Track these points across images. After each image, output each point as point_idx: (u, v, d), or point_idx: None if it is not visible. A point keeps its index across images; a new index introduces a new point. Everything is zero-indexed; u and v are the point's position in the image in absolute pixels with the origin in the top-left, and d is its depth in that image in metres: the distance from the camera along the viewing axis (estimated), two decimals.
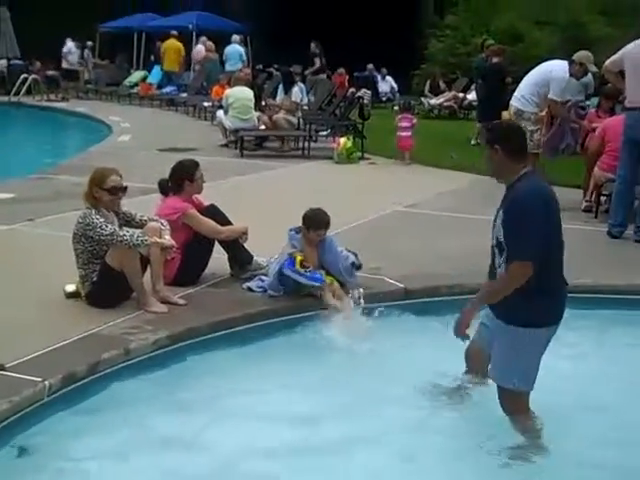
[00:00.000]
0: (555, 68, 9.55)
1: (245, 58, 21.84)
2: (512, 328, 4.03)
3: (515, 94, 9.88)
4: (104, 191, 5.53)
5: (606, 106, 11.07)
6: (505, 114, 11.30)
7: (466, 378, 4.54)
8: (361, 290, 5.80)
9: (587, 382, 4.87)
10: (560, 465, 4.01)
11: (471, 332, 4.31)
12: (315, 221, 5.86)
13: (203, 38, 23.22)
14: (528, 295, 3.94)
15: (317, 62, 22.65)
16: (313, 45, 22.97)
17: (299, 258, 5.77)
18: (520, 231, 3.92)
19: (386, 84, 25.89)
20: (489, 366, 4.24)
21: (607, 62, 8.27)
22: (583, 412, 4.49)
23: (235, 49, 21.64)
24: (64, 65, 26.44)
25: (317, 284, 5.76)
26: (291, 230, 5.95)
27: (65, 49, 26.44)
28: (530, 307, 3.96)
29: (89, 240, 5.47)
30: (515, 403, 4.14)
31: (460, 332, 4.20)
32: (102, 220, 5.44)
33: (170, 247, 5.63)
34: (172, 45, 23.65)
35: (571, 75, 9.46)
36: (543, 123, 9.99)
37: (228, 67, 20.59)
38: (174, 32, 23.86)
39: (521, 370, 4.06)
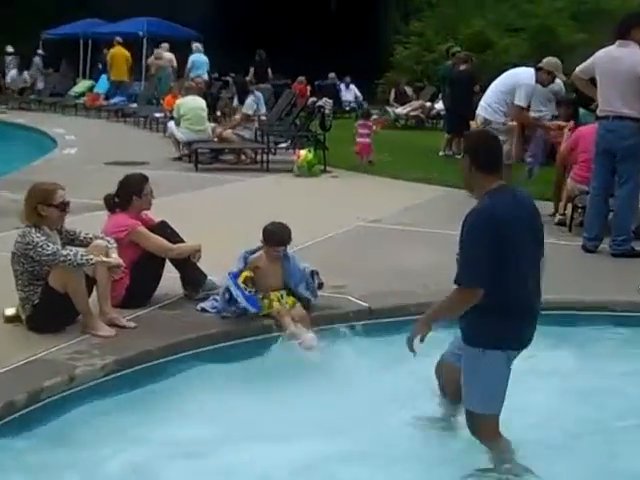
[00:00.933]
0: (522, 75, 9.70)
1: (209, 67, 21.94)
2: (469, 348, 4.07)
3: (481, 103, 10.01)
4: (53, 208, 5.47)
5: (565, 114, 11.22)
6: (473, 124, 11.41)
7: (441, 399, 4.57)
8: None
9: (558, 404, 4.93)
10: None
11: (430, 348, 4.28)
12: (275, 237, 5.84)
13: (165, 45, 23.24)
14: (484, 315, 3.94)
15: (251, 71, 22.92)
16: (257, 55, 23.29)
17: (245, 274, 5.77)
18: (467, 253, 3.95)
19: (350, 93, 26.01)
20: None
21: (577, 69, 8.40)
22: (553, 432, 4.53)
23: (201, 58, 21.72)
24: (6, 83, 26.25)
25: (251, 309, 5.73)
26: (246, 252, 5.92)
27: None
28: (486, 329, 3.99)
29: (29, 260, 5.41)
30: (479, 426, 4.15)
31: (409, 346, 4.10)
32: (43, 239, 5.38)
33: (117, 266, 5.60)
34: (119, 53, 23.56)
35: (537, 82, 9.59)
36: (513, 134, 10.10)
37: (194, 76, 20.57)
38: (118, 39, 23.81)
39: (479, 393, 4.07)
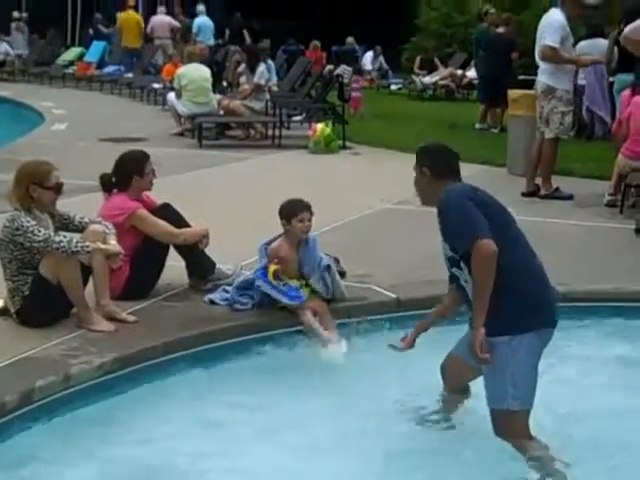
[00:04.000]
0: (549, 15, 9.64)
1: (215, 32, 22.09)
2: (491, 340, 4.10)
3: (541, 67, 9.76)
4: (47, 190, 5.51)
5: None
6: (514, 94, 11.42)
7: (447, 398, 4.71)
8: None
9: (615, 401, 4.98)
10: None
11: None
12: (295, 205, 5.84)
13: (161, 8, 23.41)
14: (500, 296, 4.04)
15: (226, 33, 23.53)
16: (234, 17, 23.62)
17: (272, 268, 5.79)
18: (456, 220, 4.16)
19: (375, 61, 25.96)
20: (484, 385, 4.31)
21: (627, 29, 8.35)
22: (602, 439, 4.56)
23: (206, 22, 21.79)
24: None
25: (294, 303, 5.76)
26: (264, 245, 5.94)
27: None
28: (507, 310, 4.06)
29: (18, 247, 5.46)
30: (512, 426, 4.20)
31: (483, 359, 4.13)
32: (34, 223, 5.42)
33: (116, 254, 5.63)
34: (130, 17, 23.60)
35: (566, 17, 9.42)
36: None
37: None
38: (131, 2, 23.97)
39: (513, 388, 4.11)
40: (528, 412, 4.19)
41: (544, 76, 9.66)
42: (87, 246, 5.45)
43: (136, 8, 24.88)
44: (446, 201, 4.24)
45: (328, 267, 5.96)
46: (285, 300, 5.76)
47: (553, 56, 9.40)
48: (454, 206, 4.20)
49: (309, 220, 5.85)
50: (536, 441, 4.21)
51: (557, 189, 9.83)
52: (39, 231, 5.39)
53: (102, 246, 5.56)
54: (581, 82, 12.91)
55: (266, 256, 5.86)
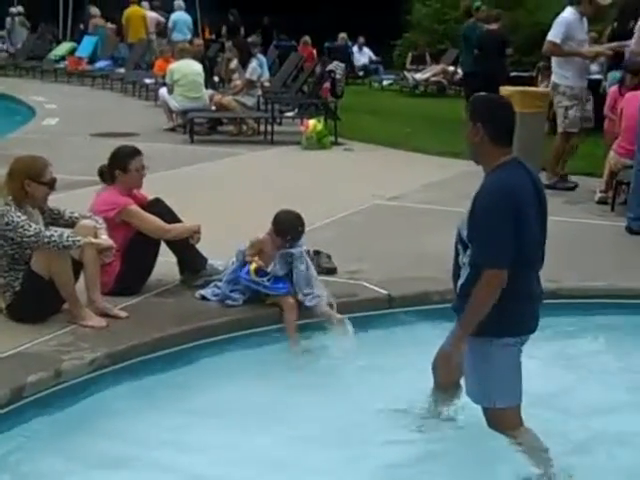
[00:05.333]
0: (562, 13, 9.97)
1: (192, 27, 21.96)
2: (481, 340, 4.08)
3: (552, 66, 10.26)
4: (42, 185, 5.52)
5: (631, 83, 11.17)
6: (506, 90, 11.42)
7: (436, 394, 4.67)
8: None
9: (601, 399, 5.00)
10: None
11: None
12: (290, 227, 5.86)
13: (145, 4, 23.28)
14: (498, 300, 3.97)
15: (223, 30, 23.41)
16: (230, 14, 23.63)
17: (253, 266, 5.82)
18: (488, 232, 3.95)
19: (364, 56, 26.02)
20: (465, 384, 4.32)
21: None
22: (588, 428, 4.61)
23: (182, 17, 21.67)
24: None
25: (280, 292, 5.79)
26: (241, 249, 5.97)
27: None
28: (501, 314, 4.00)
29: (9, 242, 5.45)
30: (502, 421, 4.21)
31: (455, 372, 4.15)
32: (24, 218, 5.41)
33: (108, 248, 5.62)
34: (135, 13, 23.41)
35: (581, 15, 9.81)
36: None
37: (175, 38, 20.62)
38: None
39: (498, 386, 4.12)
40: (518, 406, 4.19)
41: (553, 75, 10.17)
42: (78, 240, 5.42)
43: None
44: (485, 204, 3.97)
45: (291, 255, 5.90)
46: (272, 292, 5.79)
47: (554, 50, 9.94)
48: (491, 219, 3.93)
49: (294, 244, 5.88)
50: (529, 432, 4.22)
51: (561, 179, 10.05)
52: (30, 226, 5.38)
53: (94, 240, 5.55)
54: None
55: (243, 255, 5.89)
